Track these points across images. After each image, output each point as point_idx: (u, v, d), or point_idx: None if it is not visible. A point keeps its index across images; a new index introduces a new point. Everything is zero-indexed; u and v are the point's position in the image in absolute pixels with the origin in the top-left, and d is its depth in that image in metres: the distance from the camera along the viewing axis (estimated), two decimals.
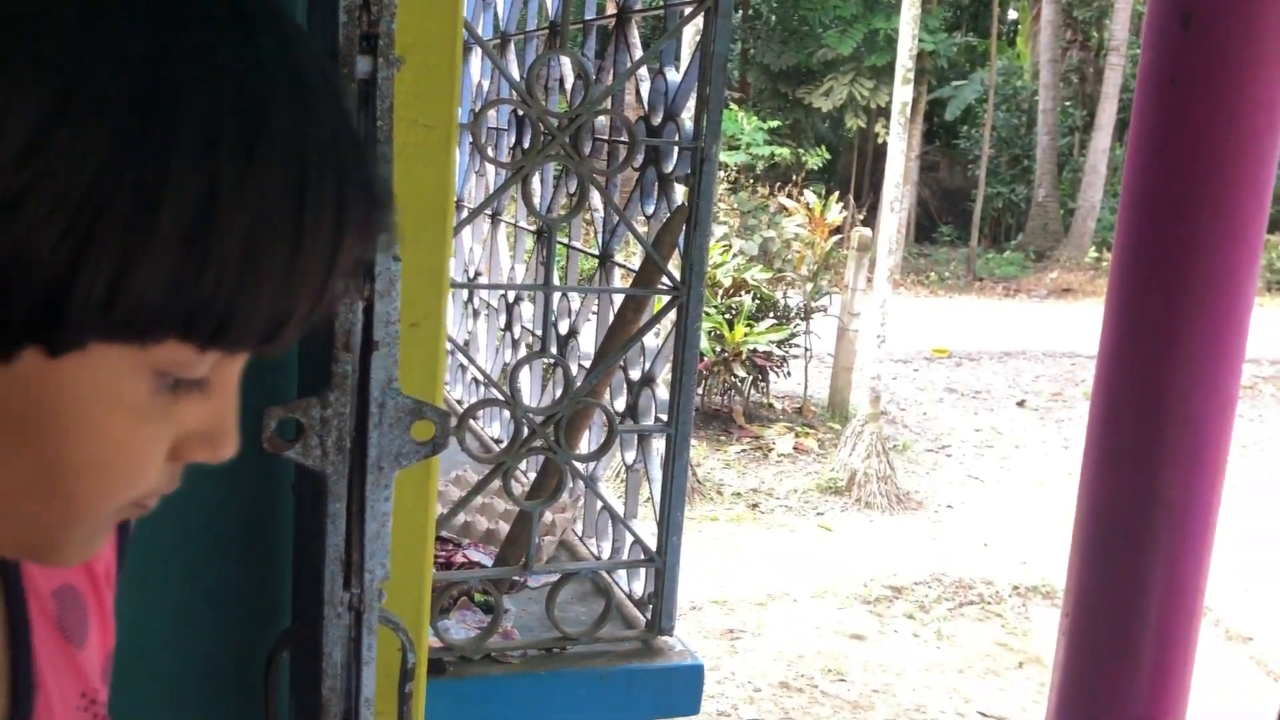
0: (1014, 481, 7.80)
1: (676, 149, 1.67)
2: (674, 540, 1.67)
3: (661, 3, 1.74)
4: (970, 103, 19.19)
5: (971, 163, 19.00)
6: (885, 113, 12.82)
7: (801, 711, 4.22)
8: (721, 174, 10.11)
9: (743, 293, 7.85)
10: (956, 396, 9.54)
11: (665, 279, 1.62)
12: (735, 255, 8.13)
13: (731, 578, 5.57)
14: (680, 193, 1.68)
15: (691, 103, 1.61)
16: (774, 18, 17.13)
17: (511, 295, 2.38)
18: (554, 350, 2.10)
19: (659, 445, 1.73)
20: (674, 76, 1.72)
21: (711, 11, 1.56)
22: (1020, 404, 9.51)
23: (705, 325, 7.53)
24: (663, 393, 1.74)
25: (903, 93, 6.97)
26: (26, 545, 0.55)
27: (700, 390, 8.08)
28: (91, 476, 0.50)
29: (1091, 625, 1.78)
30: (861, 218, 11.81)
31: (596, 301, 1.98)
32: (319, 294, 0.48)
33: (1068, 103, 19.62)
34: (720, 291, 7.78)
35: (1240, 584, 6.15)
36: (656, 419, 1.75)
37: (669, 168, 1.69)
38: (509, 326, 2.39)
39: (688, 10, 1.62)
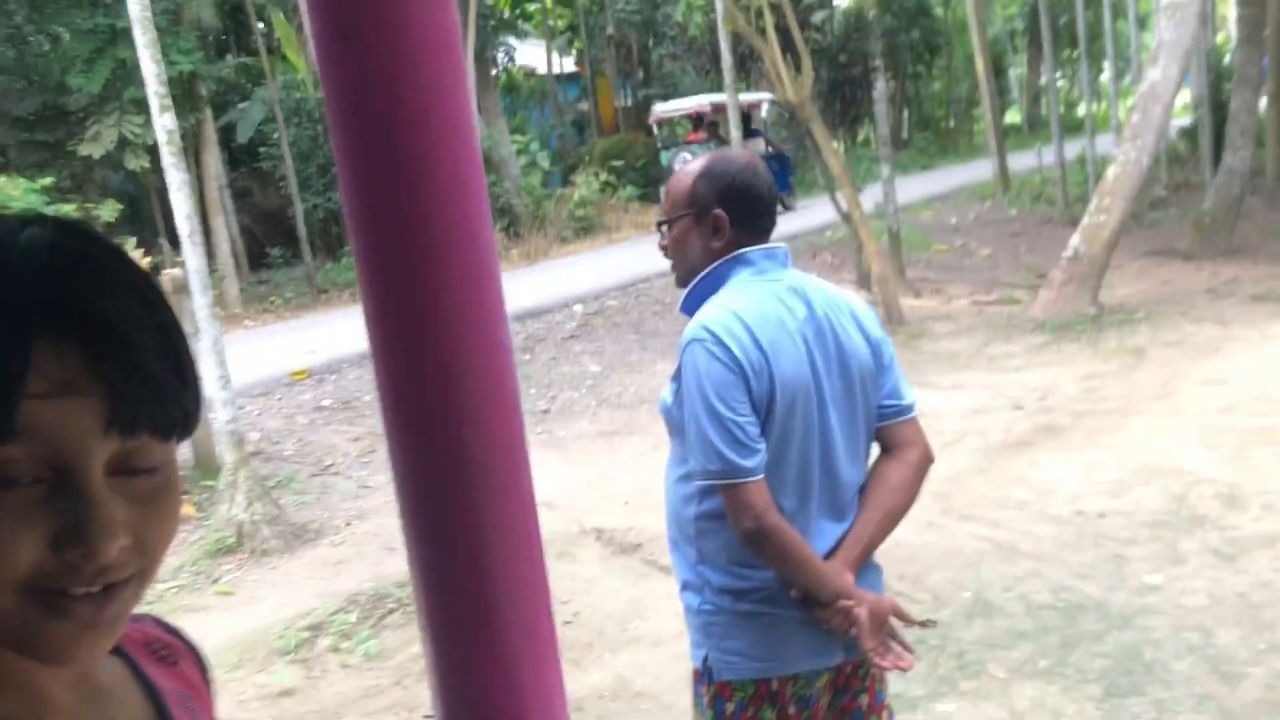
0: None
1: None
2: None
3: None
4: (260, 123, 18.86)
5: (280, 181, 18.74)
6: None
7: None
8: None
9: None
10: (328, 413, 9.36)
11: None
12: None
13: None
14: None
15: None
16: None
17: None
18: None
19: None
20: None
21: None
22: None
23: None
24: None
25: (164, 121, 6.49)
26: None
27: None
28: None
29: (442, 601, 1.68)
30: (183, 260, 10.96)
31: None
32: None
33: None
34: None
35: (623, 500, 6.78)
36: None
37: None
38: None
39: None
